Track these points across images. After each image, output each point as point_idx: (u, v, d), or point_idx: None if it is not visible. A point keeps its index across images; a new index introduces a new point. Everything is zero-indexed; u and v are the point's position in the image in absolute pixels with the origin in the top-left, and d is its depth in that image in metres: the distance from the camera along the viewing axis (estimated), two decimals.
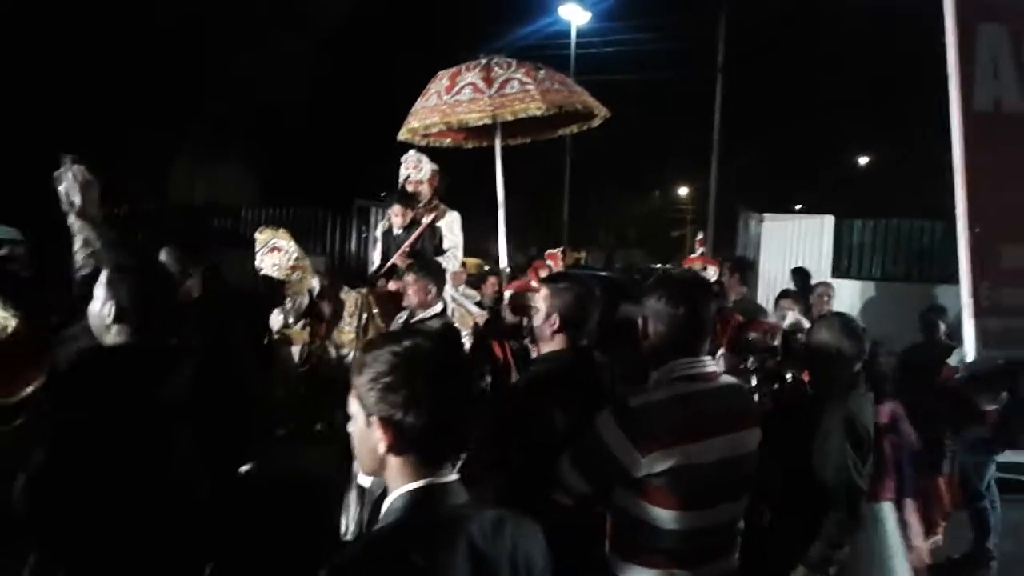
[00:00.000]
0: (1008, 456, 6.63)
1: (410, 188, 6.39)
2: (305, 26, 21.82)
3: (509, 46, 22.59)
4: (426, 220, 6.32)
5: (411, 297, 4.93)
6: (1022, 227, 2.29)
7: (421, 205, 6.39)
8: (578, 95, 5.86)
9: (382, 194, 6.55)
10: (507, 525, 1.70)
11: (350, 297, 6.27)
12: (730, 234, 15.73)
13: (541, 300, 3.13)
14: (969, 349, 2.30)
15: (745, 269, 7.03)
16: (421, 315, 4.91)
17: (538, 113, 5.54)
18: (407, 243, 6.16)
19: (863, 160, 39.18)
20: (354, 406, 1.66)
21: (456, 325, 5.72)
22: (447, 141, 6.56)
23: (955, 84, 2.23)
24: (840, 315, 3.67)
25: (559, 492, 2.50)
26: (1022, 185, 2.30)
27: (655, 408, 2.33)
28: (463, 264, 8.98)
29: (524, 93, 5.57)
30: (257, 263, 5.58)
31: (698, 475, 2.28)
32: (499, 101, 5.54)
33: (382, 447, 1.62)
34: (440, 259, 6.12)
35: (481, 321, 6.24)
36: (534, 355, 3.36)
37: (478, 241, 7.12)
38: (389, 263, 6.14)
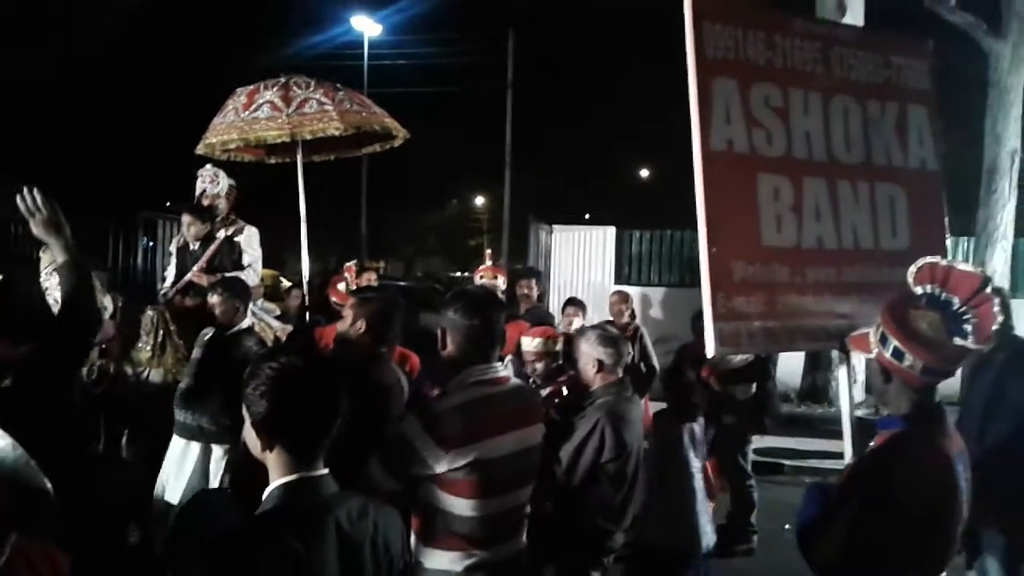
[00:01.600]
0: (766, 442, 7.52)
1: (206, 202, 6.34)
2: (92, 28, 20.55)
3: (301, 55, 22.44)
4: (222, 234, 6.29)
5: (220, 316, 4.97)
6: (748, 247, 2.78)
7: (218, 219, 6.35)
8: (377, 116, 6.06)
9: (167, 203, 6.42)
10: (370, 511, 1.97)
11: (146, 315, 6.13)
12: (524, 244, 16.43)
13: (348, 308, 3.47)
14: (710, 348, 2.74)
15: (535, 278, 7.45)
16: (230, 332, 4.98)
17: (336, 133, 5.72)
18: (204, 258, 6.12)
19: (644, 173, 41.70)
20: (244, 411, 1.92)
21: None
22: (247, 157, 6.58)
23: (696, 127, 2.67)
24: (597, 327, 4.12)
25: (369, 488, 2.74)
26: (748, 213, 2.80)
27: (454, 411, 2.60)
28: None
29: (323, 113, 5.71)
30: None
31: (492, 467, 2.57)
32: (297, 120, 5.65)
33: (259, 445, 1.90)
34: (240, 274, 6.12)
35: (283, 335, 6.30)
36: None
37: (273, 253, 7.13)
38: (186, 279, 6.06)
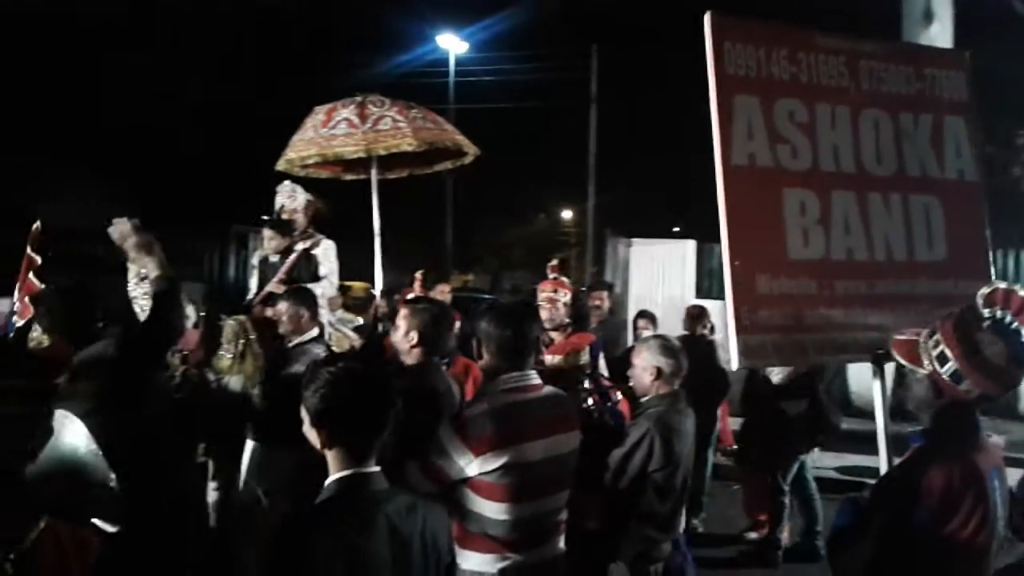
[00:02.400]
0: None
1: (285, 216, 6.60)
2: (183, 51, 21.56)
3: (388, 74, 23.00)
4: (301, 247, 6.54)
5: (285, 324, 5.19)
6: (774, 261, 2.80)
7: (296, 233, 6.61)
8: (449, 133, 6.29)
9: (263, 218, 6.71)
10: (419, 508, 2.13)
11: (227, 324, 6.42)
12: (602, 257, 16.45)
13: (401, 319, 3.57)
14: (734, 361, 2.78)
15: (606, 291, 7.49)
16: (297, 340, 5.17)
17: (409, 148, 5.94)
18: (283, 270, 6.36)
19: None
20: (303, 412, 2.12)
21: (334, 348, 6.01)
22: (324, 173, 6.86)
23: (717, 143, 2.73)
24: (659, 337, 4.16)
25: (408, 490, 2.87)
26: (772, 226, 2.82)
27: (485, 416, 2.72)
28: (350, 288, 9.21)
29: (396, 129, 5.94)
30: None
31: (523, 472, 2.67)
32: (372, 136, 5.89)
33: (318, 443, 2.09)
34: (315, 285, 6.36)
35: (357, 344, 6.51)
36: None
37: (363, 267, 7.37)
38: (266, 290, 6.32)
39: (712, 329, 7.46)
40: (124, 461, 2.98)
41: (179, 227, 16.51)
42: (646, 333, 6.81)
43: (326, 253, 6.65)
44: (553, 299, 6.47)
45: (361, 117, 5.99)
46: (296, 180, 6.65)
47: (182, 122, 21.47)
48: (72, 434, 2.13)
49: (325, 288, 6.47)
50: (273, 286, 6.29)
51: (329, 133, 6.02)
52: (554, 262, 7.69)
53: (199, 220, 15.74)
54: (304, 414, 2.12)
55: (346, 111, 6.07)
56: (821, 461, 8.32)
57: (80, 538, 1.97)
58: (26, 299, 5.39)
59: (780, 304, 2.78)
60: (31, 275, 5.79)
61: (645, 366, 3.90)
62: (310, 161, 6.20)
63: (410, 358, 3.54)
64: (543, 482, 2.76)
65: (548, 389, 2.98)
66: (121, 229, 3.37)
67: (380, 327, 6.75)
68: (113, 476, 2.31)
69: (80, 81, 19.85)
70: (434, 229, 29.23)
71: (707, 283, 12.84)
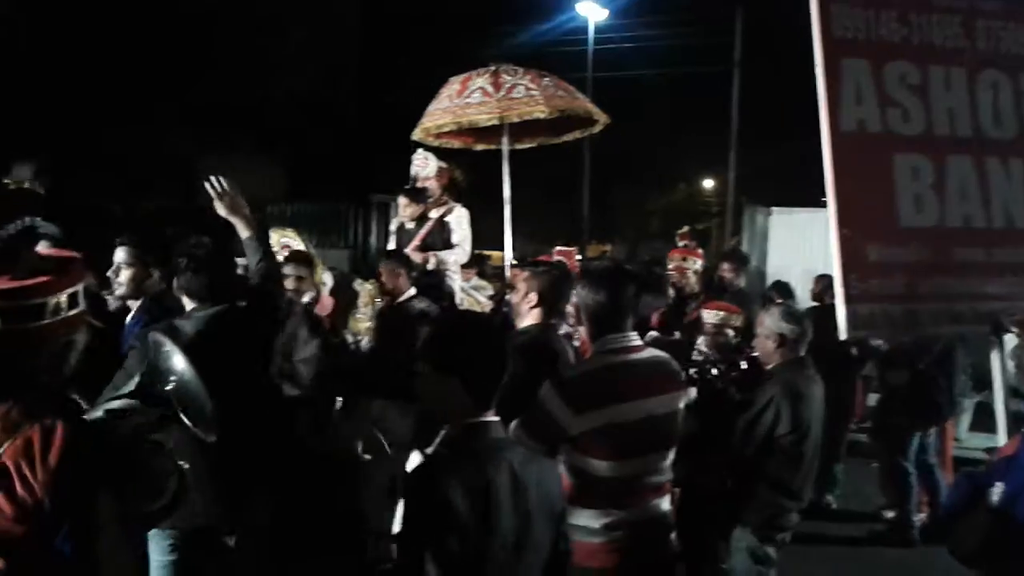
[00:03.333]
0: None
1: (419, 184, 6.84)
2: (324, 23, 22.26)
3: (527, 44, 23.08)
4: (435, 214, 6.77)
5: (386, 284, 5.43)
6: (885, 229, 2.72)
7: (431, 200, 6.84)
8: (580, 101, 6.36)
9: (406, 187, 6.97)
10: (535, 459, 2.24)
11: (364, 288, 6.73)
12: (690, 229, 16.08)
13: (521, 281, 3.68)
14: (842, 331, 2.74)
15: (736, 261, 7.37)
16: (401, 299, 5.41)
17: (542, 116, 6.05)
18: (418, 237, 6.60)
19: None
20: (429, 371, 2.18)
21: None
22: (457, 143, 7.06)
23: (824, 109, 2.66)
24: (782, 304, 4.15)
25: None
26: (883, 193, 2.74)
27: (587, 376, 2.84)
28: (489, 257, 9.44)
29: (529, 98, 6.05)
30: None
31: (624, 431, 2.75)
32: (506, 104, 6.02)
33: (451, 394, 2.14)
34: (448, 252, 6.60)
35: (487, 308, 6.70)
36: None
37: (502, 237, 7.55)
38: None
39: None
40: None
41: (325, 196, 17.28)
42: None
43: (459, 221, 6.83)
44: (683, 268, 6.48)
45: (495, 86, 6.12)
46: (430, 149, 6.87)
47: (325, 95, 22.24)
48: (179, 358, 2.28)
49: (457, 255, 6.69)
50: (408, 252, 6.54)
51: (464, 102, 6.18)
52: (684, 230, 7.70)
53: (341, 191, 16.38)
54: (423, 362, 2.19)
55: (480, 80, 6.21)
56: (970, 441, 7.99)
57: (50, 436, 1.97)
58: None
59: (891, 273, 2.72)
60: None
61: (768, 333, 3.96)
62: (445, 130, 6.37)
63: (527, 319, 3.62)
64: (644, 442, 2.83)
65: (650, 351, 3.04)
66: (215, 188, 3.67)
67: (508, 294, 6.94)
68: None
69: (233, 54, 20.82)
70: (571, 199, 29.23)
71: None
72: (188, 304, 3.56)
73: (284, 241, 5.90)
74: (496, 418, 2.18)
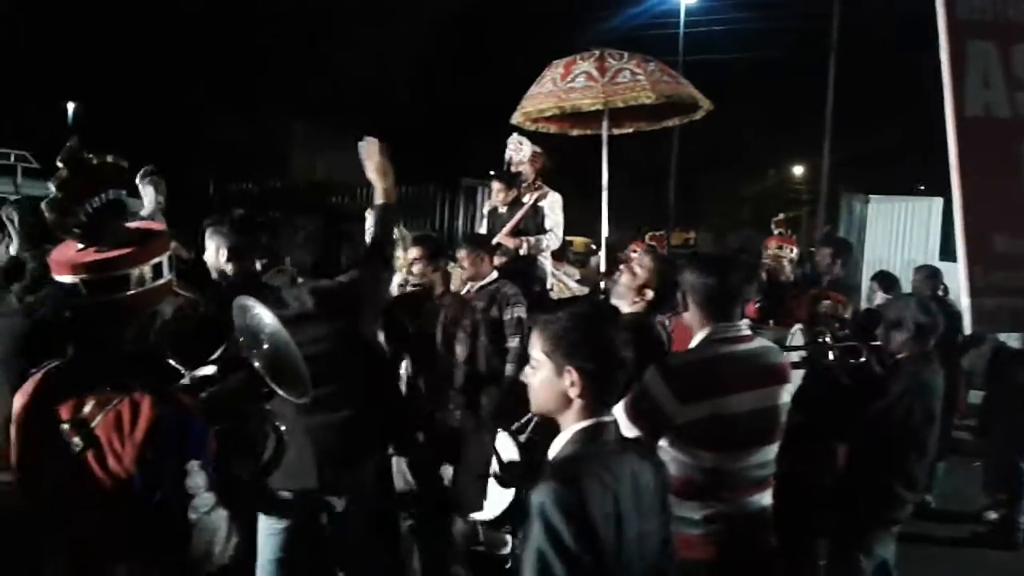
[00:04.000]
0: None
1: (513, 169, 6.83)
2: (417, 9, 22.42)
3: (618, 27, 22.84)
4: (528, 200, 6.76)
5: (468, 269, 5.38)
6: (1011, 218, 2.61)
7: (524, 185, 6.83)
8: (685, 87, 6.29)
9: (491, 172, 6.98)
10: (648, 456, 2.15)
11: (456, 271, 6.78)
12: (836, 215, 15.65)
13: (638, 267, 3.60)
14: (966, 325, 2.63)
15: (833, 248, 7.15)
16: (480, 284, 5.34)
17: (648, 101, 5.99)
18: (511, 222, 6.60)
19: None
20: (541, 358, 2.06)
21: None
22: (553, 128, 7.05)
23: (949, 93, 2.54)
24: (914, 295, 4.10)
25: None
26: (1009, 181, 2.61)
27: (691, 365, 2.79)
28: (571, 243, 9.40)
29: (635, 83, 6.00)
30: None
31: (729, 423, 2.69)
32: (611, 89, 5.99)
33: (574, 391, 2.01)
34: (541, 238, 6.59)
35: (578, 292, 6.68)
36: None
37: (588, 222, 7.48)
38: (494, 240, 6.59)
39: (945, 291, 7.04)
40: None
41: (413, 179, 17.44)
42: (878, 296, 6.49)
43: (552, 206, 6.81)
44: (779, 256, 6.34)
45: (600, 70, 6.08)
46: (524, 134, 6.86)
47: (416, 79, 22.40)
48: (269, 318, 2.26)
49: (550, 240, 6.67)
50: (501, 237, 6.53)
51: (567, 86, 6.16)
52: (780, 217, 7.49)
53: (430, 174, 16.51)
54: (544, 359, 2.06)
55: (585, 64, 6.19)
56: None
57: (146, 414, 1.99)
58: None
59: (1020, 265, 2.60)
60: None
61: (901, 324, 3.94)
62: (547, 114, 6.37)
63: (633, 307, 3.60)
64: (747, 435, 2.77)
65: (759, 341, 2.97)
66: (370, 148, 3.71)
67: (603, 283, 6.90)
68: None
69: (327, 38, 21.17)
70: (657, 185, 28.86)
71: (954, 244, 11.83)
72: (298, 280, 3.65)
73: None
74: (613, 417, 2.07)
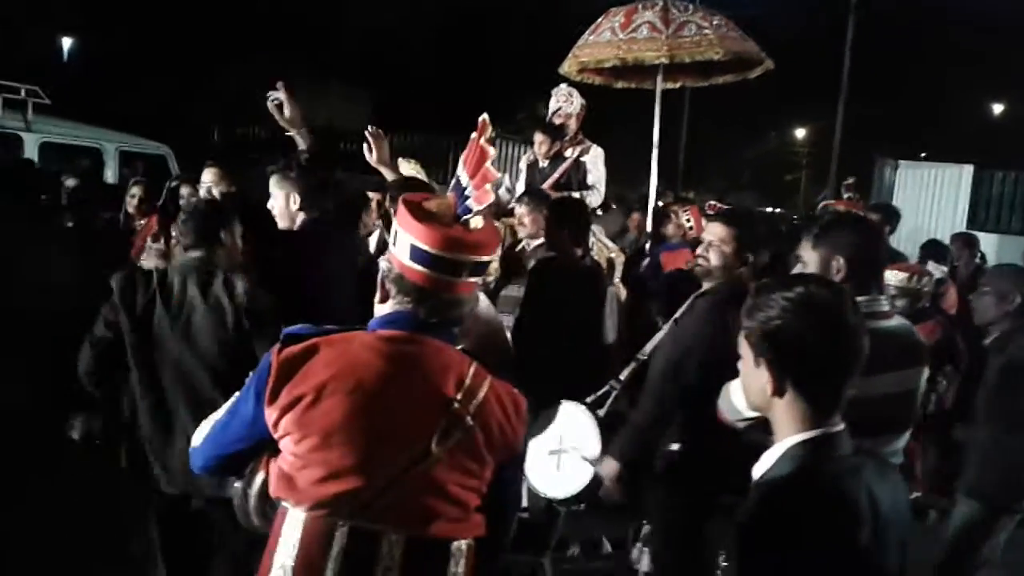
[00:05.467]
0: None
1: (558, 120, 6.47)
2: None
3: None
4: (572, 153, 6.42)
5: (528, 226, 5.08)
6: None
7: (567, 138, 6.49)
8: (751, 44, 6.03)
9: (545, 122, 6.59)
10: (888, 471, 1.75)
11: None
12: (866, 180, 15.39)
13: (730, 240, 3.32)
14: None
15: (890, 217, 6.86)
16: (535, 243, 5.06)
17: (715, 58, 5.74)
18: (554, 176, 6.26)
19: (997, 108, 36.99)
20: (744, 348, 1.71)
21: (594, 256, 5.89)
22: (598, 80, 6.72)
23: None
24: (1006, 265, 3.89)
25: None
26: None
27: None
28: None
29: (702, 37, 5.73)
30: None
31: (861, 407, 2.38)
32: (676, 43, 5.71)
33: (768, 389, 1.66)
34: (585, 193, 6.25)
35: (617, 255, 6.35)
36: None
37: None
38: None
39: (983, 259, 6.89)
40: None
41: (428, 128, 17.01)
42: (931, 264, 6.24)
43: (595, 161, 6.50)
44: None
45: (664, 21, 5.80)
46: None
47: (431, 27, 21.87)
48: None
49: (593, 197, 6.35)
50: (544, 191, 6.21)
51: (628, 36, 5.87)
52: (850, 180, 7.22)
53: (443, 127, 16.09)
54: (746, 349, 1.70)
55: (648, 14, 5.89)
56: None
57: (514, 396, 1.94)
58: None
59: None
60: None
61: (993, 294, 3.76)
62: (606, 64, 6.07)
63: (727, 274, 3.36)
64: (880, 420, 2.48)
65: (897, 319, 2.68)
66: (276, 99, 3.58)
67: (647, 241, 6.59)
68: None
69: None
70: (663, 144, 28.28)
71: (983, 213, 11.62)
72: None
73: (409, 174, 5.57)
74: (842, 426, 1.65)
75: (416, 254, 1.82)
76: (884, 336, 2.51)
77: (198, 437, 1.98)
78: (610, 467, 3.34)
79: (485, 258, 1.89)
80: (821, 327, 1.61)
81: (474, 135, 1.97)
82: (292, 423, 1.78)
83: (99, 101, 14.74)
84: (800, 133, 46.54)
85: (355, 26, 20.31)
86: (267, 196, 3.75)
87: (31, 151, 8.03)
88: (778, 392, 1.65)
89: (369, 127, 3.88)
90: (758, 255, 3.38)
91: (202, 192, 4.57)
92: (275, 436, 1.82)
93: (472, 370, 1.87)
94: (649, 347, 3.68)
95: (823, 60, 23.12)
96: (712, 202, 6.68)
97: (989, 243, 10.79)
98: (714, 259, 3.36)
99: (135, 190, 5.87)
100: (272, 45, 19.55)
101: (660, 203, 7.06)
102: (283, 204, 3.68)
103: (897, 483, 1.75)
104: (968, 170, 11.60)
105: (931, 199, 11.62)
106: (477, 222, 1.90)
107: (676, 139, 25.50)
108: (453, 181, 1.99)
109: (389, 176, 3.81)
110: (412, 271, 1.84)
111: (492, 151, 1.94)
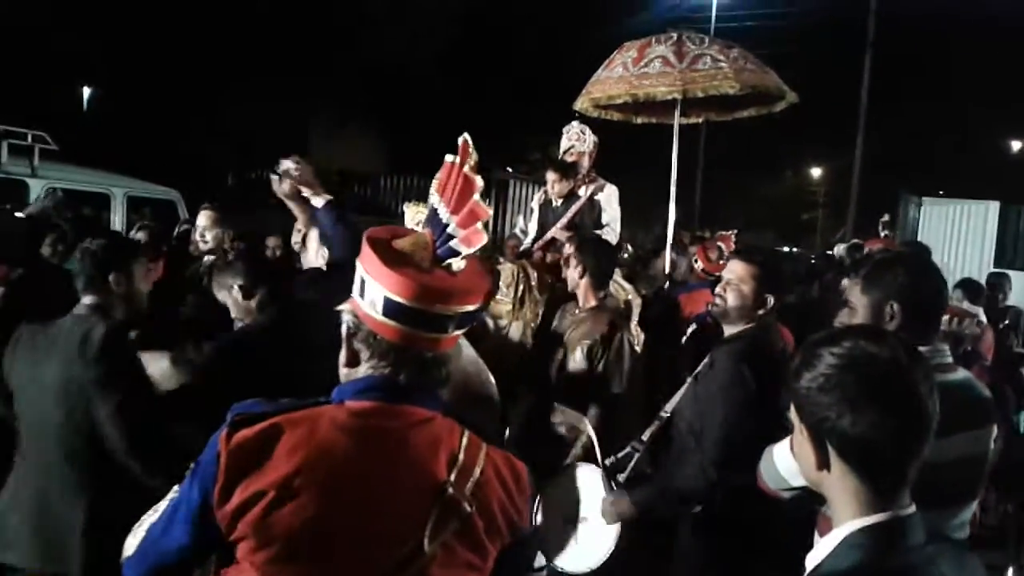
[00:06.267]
0: None
1: (570, 159, 6.27)
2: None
3: (649, 22, 22.24)
4: (585, 192, 6.21)
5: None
6: None
7: (580, 176, 6.29)
8: (771, 76, 5.82)
9: (557, 161, 6.40)
10: (966, 562, 1.47)
11: (506, 268, 6.22)
12: (871, 217, 15.12)
13: (749, 279, 3.10)
14: None
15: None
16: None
17: (731, 91, 5.51)
18: (568, 215, 6.04)
19: (1016, 145, 36.75)
20: (793, 415, 1.47)
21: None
22: (617, 116, 6.55)
23: None
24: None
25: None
26: None
27: None
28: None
29: (717, 70, 5.51)
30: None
31: (931, 474, 2.12)
32: (690, 76, 5.50)
33: (813, 461, 1.41)
34: (599, 232, 6.02)
35: (634, 297, 6.10)
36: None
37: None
38: (549, 235, 6.04)
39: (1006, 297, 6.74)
40: None
41: (434, 170, 16.87)
42: (966, 304, 5.95)
43: (609, 199, 6.28)
44: None
45: (678, 55, 5.59)
46: (584, 120, 6.33)
47: (441, 68, 21.92)
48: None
49: (608, 236, 6.10)
50: (557, 232, 5.98)
51: (641, 71, 5.67)
52: (886, 218, 7.00)
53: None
54: (793, 416, 1.46)
55: (661, 48, 5.68)
56: None
57: (512, 463, 1.62)
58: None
59: None
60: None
61: None
62: (617, 100, 5.87)
63: (747, 321, 3.17)
64: (956, 485, 2.20)
65: (962, 371, 2.39)
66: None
67: (668, 283, 6.34)
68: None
69: (325, 21, 20.63)
70: (682, 183, 28.16)
71: (1011, 252, 11.29)
72: None
73: (419, 219, 5.36)
74: (912, 508, 1.38)
75: (390, 307, 1.49)
76: (952, 392, 2.22)
77: (129, 546, 1.64)
78: (623, 509, 3.09)
79: (472, 307, 1.55)
80: (872, 391, 1.34)
81: (451, 159, 1.59)
82: (249, 527, 1.43)
83: (115, 148, 14.75)
84: (816, 172, 46.46)
85: (368, 66, 20.35)
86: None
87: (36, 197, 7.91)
88: (824, 466, 1.40)
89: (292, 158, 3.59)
90: (780, 296, 3.12)
91: (195, 236, 4.40)
92: (227, 540, 1.47)
93: (464, 441, 1.55)
94: (671, 404, 3.43)
95: (841, 98, 22.98)
96: (721, 232, 6.42)
97: (1018, 280, 10.51)
98: (731, 299, 3.14)
99: (140, 235, 5.73)
100: (287, 87, 19.63)
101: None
102: (314, 253, 3.58)
103: (975, 571, 1.46)
104: (994, 207, 11.31)
105: (957, 236, 11.33)
106: (460, 264, 1.54)
107: (692, 178, 25.41)
108: (427, 212, 1.62)
109: (297, 212, 3.57)
110: (385, 328, 1.51)
111: (479, 181, 1.56)
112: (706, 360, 3.25)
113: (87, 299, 2.82)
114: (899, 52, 24.39)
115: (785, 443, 2.37)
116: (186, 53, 18.56)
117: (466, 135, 1.59)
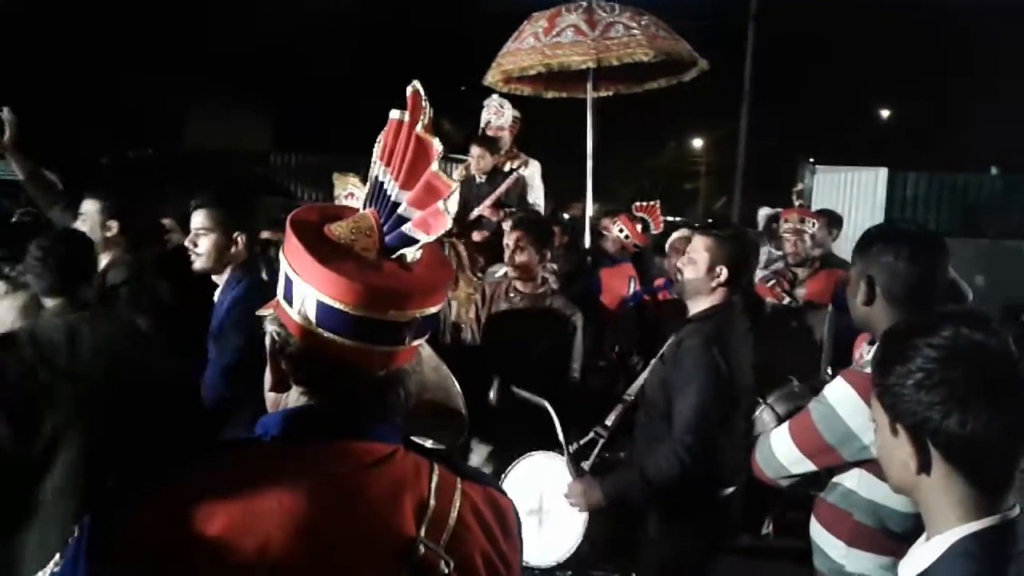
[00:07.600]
0: None
1: (490, 134, 6.15)
2: None
3: None
4: (509, 168, 6.09)
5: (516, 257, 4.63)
6: None
7: (503, 152, 6.15)
8: (682, 43, 5.78)
9: (479, 136, 6.19)
10: None
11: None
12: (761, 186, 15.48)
13: (703, 250, 3.04)
14: None
15: (836, 224, 6.69)
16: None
17: (644, 59, 5.46)
18: (496, 192, 5.87)
19: (885, 113, 38.48)
20: (877, 411, 1.35)
21: None
22: (527, 90, 6.43)
23: None
24: None
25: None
26: None
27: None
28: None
29: (630, 38, 5.47)
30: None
31: None
32: (603, 45, 5.43)
33: (913, 464, 1.29)
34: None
35: (550, 275, 5.99)
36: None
37: None
38: (476, 213, 5.86)
39: None
40: None
41: (342, 147, 16.39)
42: None
43: (533, 175, 6.22)
44: (800, 230, 5.73)
45: (589, 23, 5.52)
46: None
47: (335, 43, 21.28)
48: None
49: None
50: (484, 210, 5.83)
51: (553, 41, 5.57)
52: (799, 187, 7.06)
53: (361, 141, 15.59)
54: (880, 414, 1.34)
55: (572, 16, 5.60)
56: None
57: (494, 499, 1.28)
58: None
59: None
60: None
61: None
62: (531, 72, 5.75)
63: (711, 299, 3.08)
64: None
65: None
66: None
67: (587, 259, 6.25)
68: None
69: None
70: (557, 157, 28.24)
71: (899, 215, 11.79)
72: None
73: (351, 190, 4.92)
74: (1017, 509, 1.27)
75: (327, 316, 1.12)
76: None
77: None
78: (593, 498, 3.01)
79: (433, 309, 1.18)
80: (986, 387, 1.22)
81: (398, 115, 1.18)
82: None
83: None
84: (698, 143, 47.52)
85: (259, 40, 19.53)
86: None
87: None
88: (924, 469, 1.28)
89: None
90: (739, 270, 3.06)
91: (78, 224, 3.82)
92: None
93: (435, 481, 1.20)
94: (635, 388, 3.34)
95: (725, 69, 23.43)
96: (638, 203, 6.39)
97: None
98: (687, 272, 3.11)
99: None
100: (168, 63, 18.69)
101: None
102: (223, 242, 3.15)
103: None
104: (883, 173, 11.75)
105: (848, 203, 11.70)
106: (415, 254, 1.17)
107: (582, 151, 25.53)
108: (368, 185, 1.20)
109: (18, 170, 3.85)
110: (323, 341, 1.13)
111: (437, 144, 1.15)
112: (671, 340, 3.17)
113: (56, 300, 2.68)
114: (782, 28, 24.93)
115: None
116: (56, 30, 17.42)
117: (416, 83, 1.17)
